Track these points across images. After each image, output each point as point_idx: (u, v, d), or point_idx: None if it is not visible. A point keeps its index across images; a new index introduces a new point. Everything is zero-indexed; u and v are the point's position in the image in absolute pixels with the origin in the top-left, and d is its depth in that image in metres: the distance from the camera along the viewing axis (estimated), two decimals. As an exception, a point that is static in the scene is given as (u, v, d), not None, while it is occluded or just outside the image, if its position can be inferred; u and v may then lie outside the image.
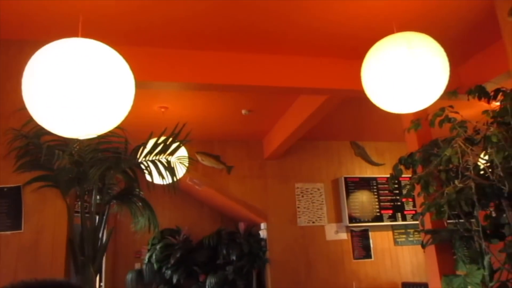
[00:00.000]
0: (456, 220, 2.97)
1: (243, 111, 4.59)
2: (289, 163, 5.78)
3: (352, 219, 5.68)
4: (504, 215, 2.64)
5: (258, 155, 5.71)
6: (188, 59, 3.19)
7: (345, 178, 5.81)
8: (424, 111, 3.17)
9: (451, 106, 2.92)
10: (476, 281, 2.59)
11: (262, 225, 5.64)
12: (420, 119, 3.06)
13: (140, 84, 2.35)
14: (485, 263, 2.63)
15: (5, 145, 2.61)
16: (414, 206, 5.80)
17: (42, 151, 2.49)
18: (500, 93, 2.82)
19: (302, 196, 5.73)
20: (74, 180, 2.80)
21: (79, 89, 1.85)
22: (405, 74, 2.22)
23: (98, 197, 2.97)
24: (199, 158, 5.14)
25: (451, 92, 3.00)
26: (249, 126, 5.17)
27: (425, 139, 3.42)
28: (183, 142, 2.99)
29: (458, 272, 2.92)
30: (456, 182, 2.65)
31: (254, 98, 4.29)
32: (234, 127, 5.17)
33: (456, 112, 2.88)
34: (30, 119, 2.16)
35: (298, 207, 5.68)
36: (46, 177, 2.67)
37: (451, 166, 2.82)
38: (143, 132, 3.15)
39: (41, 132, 2.43)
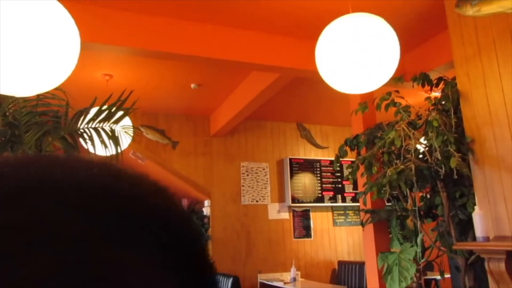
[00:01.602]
0: (394, 201, 3.11)
1: (192, 85, 4.49)
2: (235, 141, 5.77)
3: (294, 199, 5.80)
4: (438, 197, 2.80)
5: (205, 132, 5.64)
6: (137, 23, 3.05)
7: (290, 159, 5.90)
8: (371, 95, 3.28)
9: (397, 91, 3.03)
10: (409, 257, 2.74)
11: (206, 202, 5.62)
12: (367, 102, 3.15)
13: (84, 46, 2.20)
14: (418, 241, 2.79)
15: None
16: (354, 188, 6.03)
17: (-29, 110, 2.28)
18: (442, 82, 2.96)
19: (247, 175, 5.75)
20: (7, 143, 2.60)
21: (21, 42, 1.70)
22: (357, 55, 2.26)
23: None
24: (143, 130, 4.98)
25: (397, 78, 3.12)
26: (197, 101, 5.07)
27: (370, 123, 3.53)
28: (129, 110, 2.87)
29: (393, 250, 3.08)
30: (398, 163, 2.77)
31: (204, 72, 4.20)
32: (182, 102, 5.06)
33: (401, 97, 2.99)
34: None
35: (243, 186, 5.71)
36: (-25, 139, 2.46)
37: (393, 148, 2.94)
38: (84, 100, 2.98)
39: (-29, 88, 2.21)
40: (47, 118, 2.69)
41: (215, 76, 4.33)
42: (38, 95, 2.44)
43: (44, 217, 0.19)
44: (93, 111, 2.95)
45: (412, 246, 2.82)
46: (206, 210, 5.60)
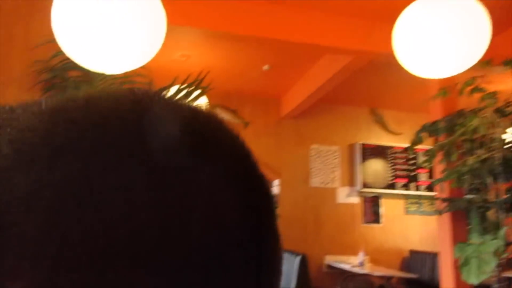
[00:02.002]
0: (474, 191, 2.95)
1: (265, 67, 4.52)
2: (306, 123, 5.75)
3: (364, 184, 5.70)
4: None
5: (275, 113, 5.68)
6: (214, 6, 3.11)
7: (362, 144, 5.78)
8: (452, 80, 3.09)
9: (482, 76, 2.83)
10: (490, 250, 2.60)
11: (274, 182, 5.70)
12: (448, 87, 2.98)
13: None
14: (501, 234, 2.63)
15: (31, 77, 2.61)
16: (429, 177, 5.78)
17: (68, 86, 2.49)
18: (537, 65, 2.72)
19: (317, 158, 5.73)
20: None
21: (112, 20, 1.82)
22: (441, 36, 2.14)
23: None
24: (217, 110, 5.12)
25: (485, 61, 2.91)
26: (268, 83, 5.10)
27: (449, 109, 3.35)
28: (206, 89, 2.97)
29: (471, 242, 2.93)
30: (480, 152, 2.61)
31: (276, 54, 4.21)
32: (253, 83, 5.11)
33: (488, 83, 2.80)
34: (59, 52, 2.15)
35: (312, 168, 5.70)
36: (70, 113, 2.68)
37: (476, 136, 2.77)
38: (162, 80, 3.12)
39: (68, 66, 2.42)
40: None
41: (288, 58, 4.33)
42: (125, 73, 2.60)
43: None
44: (172, 90, 3.10)
45: (493, 239, 2.66)
46: (275, 190, 5.68)
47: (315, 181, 5.70)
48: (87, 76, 2.53)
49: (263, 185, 0.27)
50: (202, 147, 0.24)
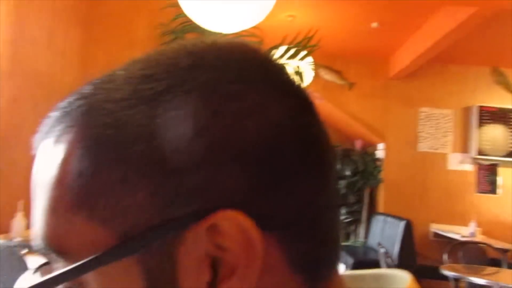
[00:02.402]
0: None
1: (373, 24, 4.33)
2: (415, 85, 5.44)
3: (480, 151, 5.28)
4: None
5: (383, 74, 5.45)
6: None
7: (479, 107, 5.32)
8: None
9: None
10: None
11: (380, 145, 5.55)
12: None
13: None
14: None
15: (154, 40, 2.85)
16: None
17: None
18: None
19: (427, 121, 5.43)
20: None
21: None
22: None
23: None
24: (321, 71, 5.08)
25: None
26: (376, 42, 4.89)
27: None
28: (314, 48, 2.97)
29: None
30: None
31: (386, 9, 4.00)
32: (360, 42, 4.94)
33: None
34: (179, 15, 2.31)
35: (420, 132, 5.43)
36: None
37: None
38: (270, 40, 3.17)
39: (187, 28, 2.59)
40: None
41: (399, 13, 4.09)
42: (236, 33, 2.70)
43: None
44: (280, 50, 3.16)
45: None
46: (380, 153, 5.54)
47: (423, 146, 5.43)
48: (204, 37, 2.68)
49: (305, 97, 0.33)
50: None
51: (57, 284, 0.28)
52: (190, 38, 2.46)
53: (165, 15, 2.79)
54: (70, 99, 0.31)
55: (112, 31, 3.24)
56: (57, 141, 0.30)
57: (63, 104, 0.31)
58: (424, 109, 5.45)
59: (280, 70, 0.32)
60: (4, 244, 2.10)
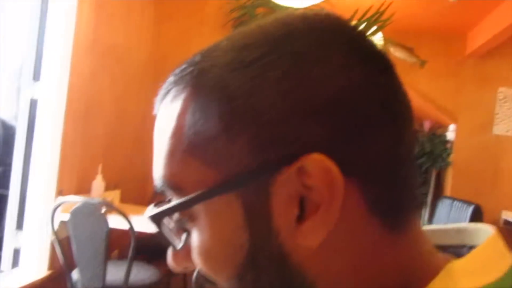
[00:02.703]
0: None
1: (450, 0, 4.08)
2: (494, 63, 5.08)
3: (562, 136, 4.87)
4: None
5: (458, 52, 5.13)
6: None
7: None
8: None
9: None
10: None
11: (451, 127, 5.30)
12: None
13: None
14: None
15: (224, 16, 2.90)
16: None
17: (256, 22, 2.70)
18: None
19: (505, 102, 5.08)
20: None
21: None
22: None
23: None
24: (391, 48, 4.89)
25: None
26: (453, 17, 4.61)
27: None
28: (386, 23, 2.87)
29: None
30: None
31: (467, -19, 3.74)
32: (435, 17, 4.67)
33: None
34: (249, -10, 2.32)
35: (497, 114, 5.09)
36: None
37: None
38: (342, 14, 3.10)
39: (257, 3, 2.61)
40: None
41: (480, -14, 3.81)
42: (308, 7, 2.68)
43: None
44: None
45: None
46: (450, 135, 5.29)
47: (500, 128, 5.09)
48: (273, 12, 2.69)
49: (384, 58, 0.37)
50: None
51: (173, 212, 0.35)
52: (260, 13, 2.47)
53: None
54: (182, 66, 0.37)
55: (184, 8, 3.34)
56: (174, 100, 0.36)
57: (176, 71, 0.37)
58: (502, 89, 5.09)
59: (362, 36, 0.36)
60: (86, 202, 2.29)
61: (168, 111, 0.36)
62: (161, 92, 0.38)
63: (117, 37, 3.29)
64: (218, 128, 0.32)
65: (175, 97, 0.36)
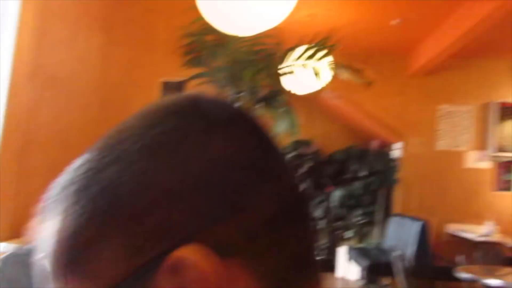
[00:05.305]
0: None
1: (393, 22, 4.30)
2: (434, 81, 5.39)
3: (499, 148, 5.22)
4: None
5: (401, 72, 5.40)
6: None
7: (499, 103, 5.25)
8: None
9: None
10: None
11: (396, 145, 5.52)
12: None
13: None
14: None
15: (174, 43, 2.88)
16: None
17: (205, 49, 2.70)
18: None
19: (445, 119, 5.38)
20: (229, 79, 3.01)
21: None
22: None
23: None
24: (338, 70, 5.05)
25: None
26: (395, 39, 4.85)
27: None
28: (332, 48, 2.96)
29: None
30: None
31: (407, 6, 3.96)
32: (379, 40, 4.91)
33: None
34: (197, 18, 2.32)
35: (439, 130, 5.38)
36: (206, 74, 2.92)
37: None
38: (288, 40, 3.17)
39: (205, 31, 2.61)
40: (260, 56, 2.99)
41: (420, 9, 4.05)
42: (254, 36, 2.71)
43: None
44: (298, 50, 3.15)
45: None
46: (396, 153, 5.51)
47: (442, 144, 5.38)
48: (222, 39, 2.70)
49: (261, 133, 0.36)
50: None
51: None
52: (209, 40, 2.46)
53: (184, 18, 2.81)
54: (58, 184, 0.36)
55: (133, 34, 3.28)
56: (51, 216, 0.34)
57: (53, 189, 0.36)
58: (443, 106, 5.40)
59: (222, 106, 0.36)
60: (19, 249, 2.14)
61: (46, 230, 0.34)
62: (43, 204, 0.36)
63: (61, 65, 3.16)
64: (91, 238, 0.31)
65: (52, 213, 0.34)
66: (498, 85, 5.38)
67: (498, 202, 5.31)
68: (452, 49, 4.35)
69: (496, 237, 4.72)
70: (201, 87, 2.97)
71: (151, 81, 2.97)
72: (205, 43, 2.75)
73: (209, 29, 2.46)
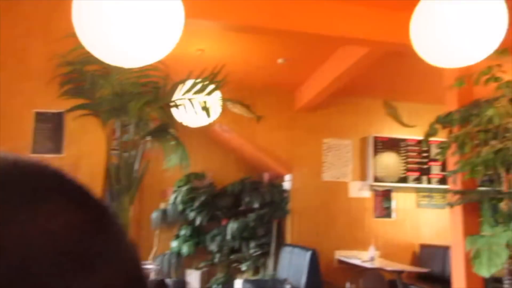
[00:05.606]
0: (488, 182, 2.95)
1: (279, 60, 4.54)
2: (319, 117, 5.76)
3: (377, 178, 5.70)
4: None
5: (289, 107, 5.69)
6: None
7: (374, 137, 5.78)
8: (468, 70, 3.09)
9: (498, 65, 2.83)
10: (501, 242, 2.60)
11: (287, 177, 5.73)
12: (464, 77, 2.98)
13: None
14: (514, 225, 2.63)
15: (50, 71, 2.68)
16: (441, 170, 5.76)
17: (86, 79, 2.55)
18: (554, 56, 2.70)
19: (329, 152, 5.75)
20: (114, 111, 2.87)
21: (130, 15, 1.86)
22: (458, 25, 2.14)
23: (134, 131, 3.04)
24: (229, 104, 5.15)
25: (500, 50, 2.90)
26: (283, 76, 5.13)
27: (465, 99, 3.34)
28: (221, 83, 3.01)
29: (482, 234, 2.93)
30: (494, 142, 2.61)
31: (291, 47, 4.23)
32: (268, 76, 5.14)
33: (503, 72, 2.79)
34: (77, 46, 2.20)
35: (324, 162, 5.72)
36: (88, 106, 2.75)
37: (490, 127, 2.77)
38: (178, 73, 3.17)
39: (86, 60, 2.47)
40: (148, 89, 2.92)
41: (303, 50, 4.34)
42: (141, 67, 2.65)
43: None
44: (188, 84, 3.14)
45: (505, 230, 2.67)
46: (287, 184, 5.71)
47: (328, 175, 5.72)
48: (105, 70, 2.58)
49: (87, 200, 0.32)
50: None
51: None
52: (91, 70, 2.33)
53: (63, 45, 2.64)
54: None
55: (4, 60, 2.97)
56: None
57: None
58: (326, 140, 5.77)
59: (52, 177, 0.31)
60: None
61: None
62: None
63: None
64: None
65: None
66: (373, 121, 5.94)
67: (379, 229, 5.75)
68: (331, 88, 4.71)
69: (378, 262, 5.06)
70: (82, 120, 2.78)
71: (22, 111, 2.70)
72: (86, 73, 2.60)
73: (90, 58, 2.33)
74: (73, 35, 2.04)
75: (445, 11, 2.16)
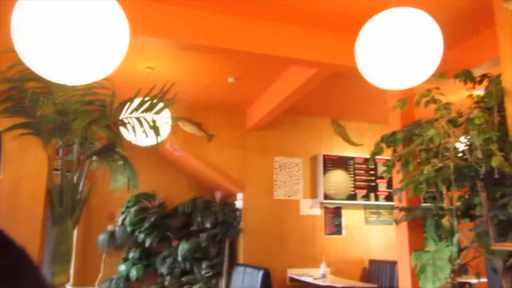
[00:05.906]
0: (431, 199, 3.08)
1: (230, 79, 4.56)
2: (270, 135, 5.81)
3: (326, 196, 5.80)
4: (477, 197, 2.75)
5: (240, 126, 5.71)
6: (179, 17, 3.13)
7: (324, 156, 5.89)
8: (410, 92, 3.24)
9: (437, 88, 2.99)
10: (444, 257, 2.71)
11: (239, 195, 5.69)
12: (406, 99, 3.12)
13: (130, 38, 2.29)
14: (454, 240, 2.75)
15: (-14, 88, 2.52)
16: (388, 187, 5.96)
17: (26, 97, 2.42)
18: (486, 79, 2.89)
19: (280, 170, 5.79)
20: (56, 130, 2.74)
21: (74, 33, 1.79)
22: (399, 50, 2.25)
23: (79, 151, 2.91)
24: (180, 123, 5.09)
25: (438, 74, 3.06)
26: (233, 95, 5.14)
27: (408, 120, 3.50)
28: (171, 101, 2.96)
29: (427, 249, 3.04)
30: (436, 161, 2.74)
31: (241, 66, 4.26)
32: (219, 95, 5.14)
33: (442, 94, 2.95)
34: (16, 62, 2.09)
35: (276, 180, 5.75)
36: (28, 125, 2.61)
37: (431, 146, 2.90)
38: (126, 91, 3.10)
39: (26, 77, 2.35)
40: (93, 107, 2.82)
41: (253, 70, 4.38)
42: (86, 85, 2.55)
43: None
44: (136, 102, 3.07)
45: (448, 245, 2.78)
46: (239, 203, 5.68)
47: (279, 193, 5.75)
48: (47, 87, 2.47)
49: None
50: None
51: None
52: (32, 87, 2.21)
53: (1, 61, 2.50)
54: None
55: None
56: None
57: None
58: (278, 158, 5.82)
59: None
60: None
61: None
62: None
63: None
64: None
65: None
66: (322, 140, 6.07)
67: (330, 245, 5.82)
68: (281, 107, 4.79)
69: (329, 279, 5.10)
70: (22, 139, 2.63)
71: (-47, 131, 2.52)
72: (26, 90, 2.47)
73: (31, 75, 2.22)
74: (12, 50, 1.93)
75: (387, 37, 2.26)
